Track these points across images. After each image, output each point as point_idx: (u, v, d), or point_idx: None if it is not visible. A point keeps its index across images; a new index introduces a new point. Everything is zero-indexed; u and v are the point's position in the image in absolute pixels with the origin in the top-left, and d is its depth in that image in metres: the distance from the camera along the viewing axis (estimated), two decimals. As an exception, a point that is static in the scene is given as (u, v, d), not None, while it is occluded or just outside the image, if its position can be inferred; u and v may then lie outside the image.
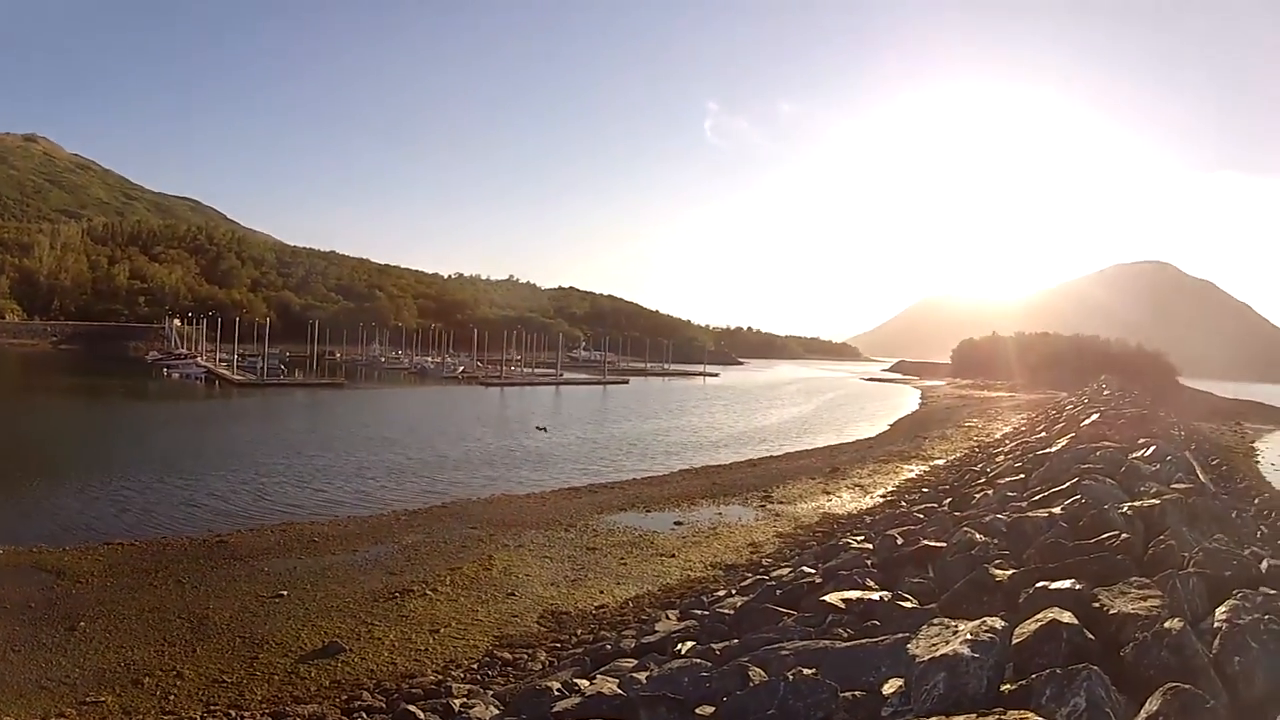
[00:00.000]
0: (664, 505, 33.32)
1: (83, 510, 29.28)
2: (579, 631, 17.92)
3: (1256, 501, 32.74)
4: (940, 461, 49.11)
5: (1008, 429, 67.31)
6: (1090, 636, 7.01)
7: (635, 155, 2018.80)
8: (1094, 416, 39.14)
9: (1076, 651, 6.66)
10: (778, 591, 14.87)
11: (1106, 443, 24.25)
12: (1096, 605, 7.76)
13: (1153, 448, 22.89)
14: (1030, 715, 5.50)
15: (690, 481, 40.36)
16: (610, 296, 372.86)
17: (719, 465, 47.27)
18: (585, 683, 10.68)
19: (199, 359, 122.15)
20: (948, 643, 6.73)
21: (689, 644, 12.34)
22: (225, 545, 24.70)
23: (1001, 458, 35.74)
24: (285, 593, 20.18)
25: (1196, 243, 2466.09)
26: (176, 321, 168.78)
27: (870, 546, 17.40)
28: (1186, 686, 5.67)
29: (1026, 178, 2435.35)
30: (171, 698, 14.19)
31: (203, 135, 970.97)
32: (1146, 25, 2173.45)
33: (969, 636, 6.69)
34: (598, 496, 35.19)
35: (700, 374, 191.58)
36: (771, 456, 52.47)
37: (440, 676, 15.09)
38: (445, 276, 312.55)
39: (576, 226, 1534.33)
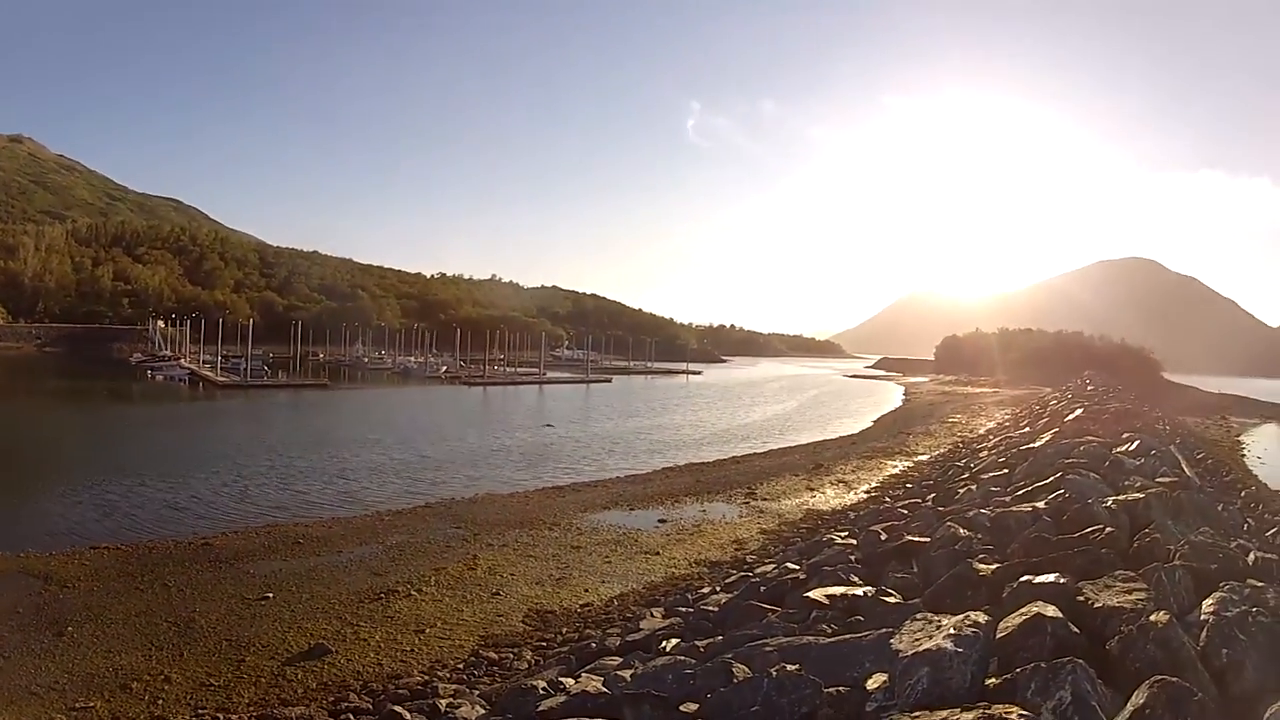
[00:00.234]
0: (648, 503, 33.27)
1: (68, 514, 29.08)
2: (564, 630, 17.89)
3: (1243, 494, 33.04)
4: (924, 457, 49.25)
5: (991, 424, 67.55)
6: (1075, 630, 6.99)
7: (618, 155, 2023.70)
8: (1078, 411, 39.23)
9: (1061, 645, 6.64)
10: (762, 588, 14.83)
11: (1090, 437, 24.25)
12: (1081, 599, 7.74)
13: (1137, 442, 22.94)
14: (1015, 709, 5.48)
15: (674, 479, 40.34)
16: (593, 295, 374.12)
17: (703, 463, 47.22)
18: (570, 681, 10.64)
19: (182, 361, 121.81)
20: (931, 638, 6.71)
21: (673, 641, 12.30)
22: (210, 548, 24.54)
23: (985, 453, 35.79)
24: (271, 595, 20.07)
25: (1180, 240, 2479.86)
26: (160, 323, 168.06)
27: (854, 542, 17.36)
28: (1173, 679, 5.64)
29: (1010, 175, 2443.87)
30: (160, 702, 14.11)
31: (185, 135, 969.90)
32: (1129, 25, 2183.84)
33: (952, 631, 6.68)
34: (582, 495, 35.12)
35: (683, 372, 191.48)
36: (755, 453, 52.50)
37: (426, 677, 15.03)
38: (428, 276, 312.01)
39: (559, 225, 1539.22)
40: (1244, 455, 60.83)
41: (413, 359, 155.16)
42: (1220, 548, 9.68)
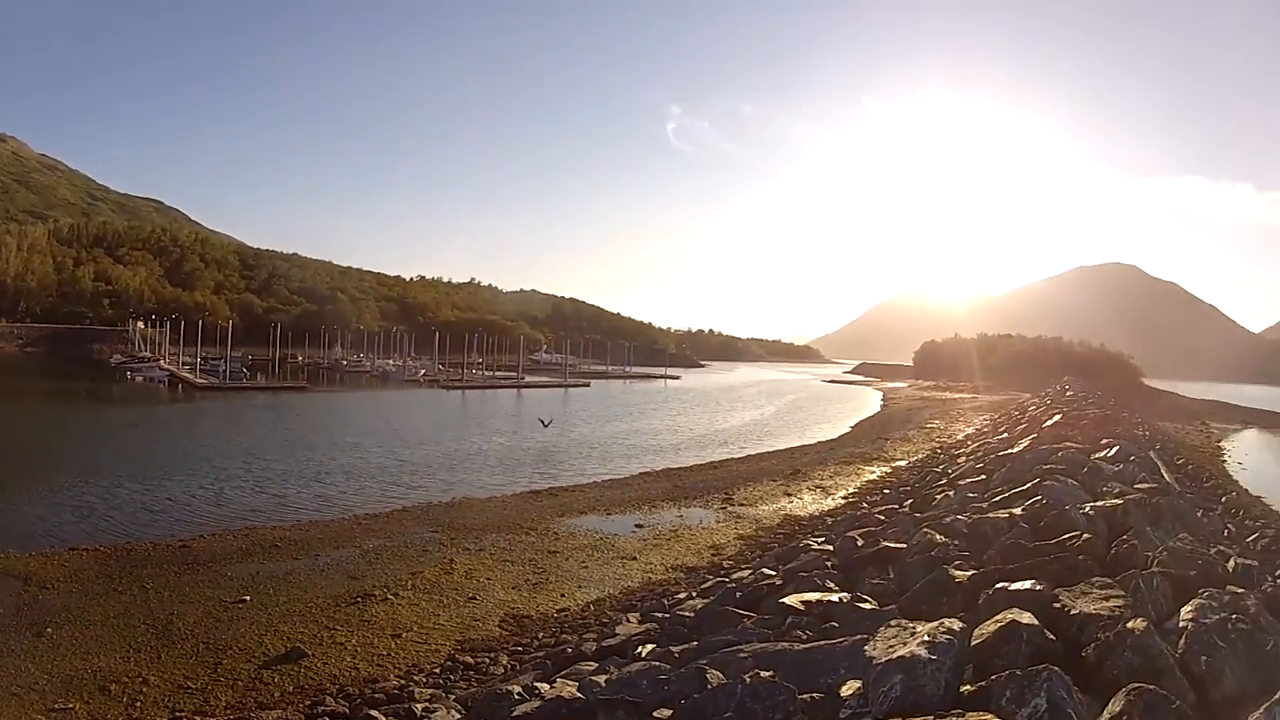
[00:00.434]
0: (625, 508, 33.23)
1: (47, 516, 28.93)
2: (540, 635, 17.82)
3: (1224, 500, 33.14)
4: (902, 463, 49.24)
5: (970, 430, 67.67)
6: (1051, 637, 6.99)
7: (598, 158, 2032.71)
8: (1056, 417, 39.37)
9: (1037, 652, 6.63)
10: (738, 594, 14.84)
11: (1069, 443, 24.36)
12: (1058, 606, 7.74)
13: (1116, 448, 23.03)
14: (989, 717, 5.45)
15: (652, 484, 40.27)
16: (572, 299, 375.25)
17: (680, 468, 47.13)
18: (546, 686, 10.62)
19: (162, 362, 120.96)
20: (905, 644, 6.69)
21: (649, 647, 12.28)
22: (188, 550, 24.43)
23: (963, 459, 35.91)
24: (248, 598, 19.95)
25: (1161, 246, 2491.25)
26: (140, 324, 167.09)
27: (831, 548, 17.35)
28: (1150, 687, 5.63)
29: (991, 179, 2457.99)
30: (138, 704, 14.05)
31: (168, 136, 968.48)
32: (1113, 32, 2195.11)
33: (926, 638, 6.66)
34: (559, 499, 35.01)
35: (661, 376, 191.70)
36: (733, 459, 52.39)
37: (403, 681, 14.97)
38: (407, 279, 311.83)
39: (538, 229, 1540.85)
40: (1224, 461, 60.89)
41: (391, 362, 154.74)
42: (1199, 554, 9.68)
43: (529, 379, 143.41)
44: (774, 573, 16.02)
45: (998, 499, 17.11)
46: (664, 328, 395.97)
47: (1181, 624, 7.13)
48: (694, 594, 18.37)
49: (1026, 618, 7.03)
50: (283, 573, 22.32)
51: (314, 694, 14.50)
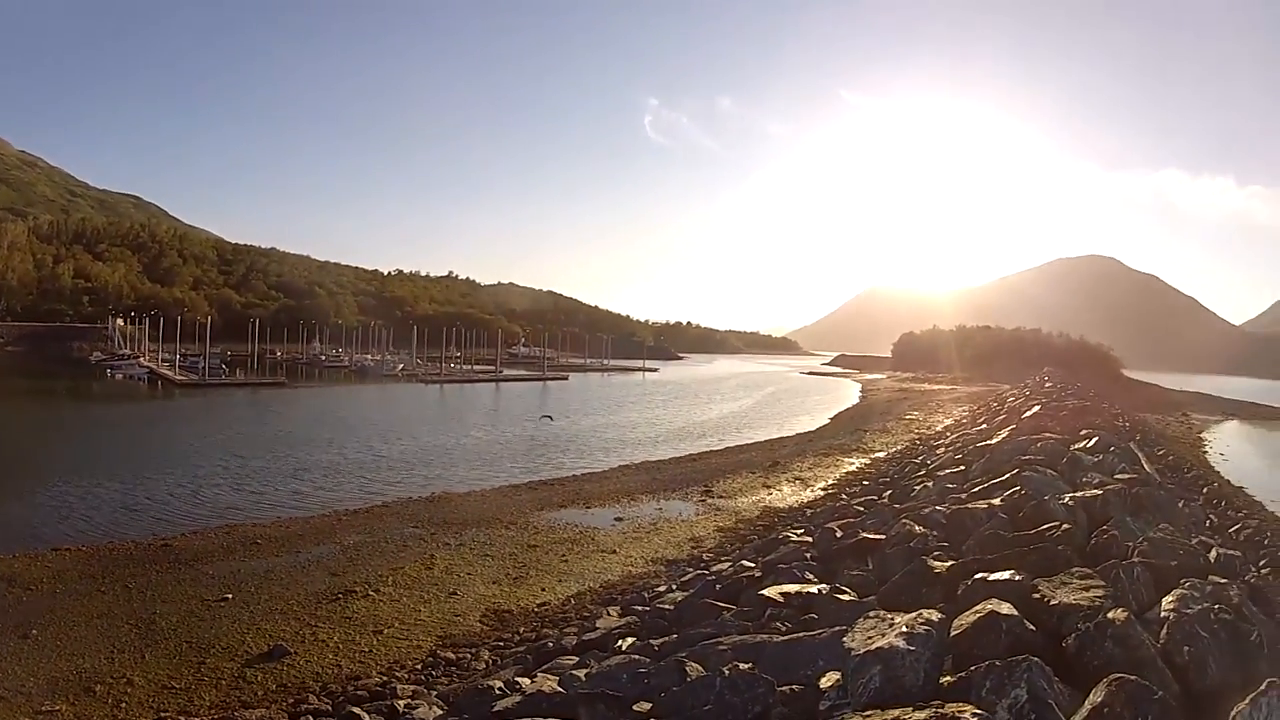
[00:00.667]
0: (605, 501, 33.20)
1: (29, 516, 28.83)
2: (521, 630, 17.81)
3: (1205, 490, 33.33)
4: (881, 454, 49.35)
5: (949, 421, 67.83)
6: (1031, 628, 6.98)
7: (575, 151, 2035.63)
8: (1035, 408, 39.36)
9: (1017, 643, 6.61)
10: (718, 586, 14.83)
11: (1048, 434, 24.36)
12: (1037, 596, 7.72)
13: (1095, 439, 23.10)
14: (967, 708, 5.43)
15: (631, 477, 40.30)
16: (550, 292, 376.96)
17: (659, 460, 47.24)
18: (527, 681, 10.55)
19: (141, 359, 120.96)
20: (884, 635, 6.66)
21: (630, 640, 12.26)
22: (169, 549, 24.34)
23: (942, 450, 35.90)
24: (230, 596, 19.90)
25: (1141, 239, 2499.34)
26: (120, 321, 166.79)
27: (810, 539, 17.37)
28: (1132, 677, 5.61)
29: (970, 172, 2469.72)
30: (124, 705, 14.03)
31: (145, 131, 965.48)
32: (1092, 24, 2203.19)
33: (905, 629, 6.63)
34: (538, 494, 35.01)
35: (640, 369, 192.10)
36: (712, 451, 52.50)
37: (385, 677, 14.96)
38: (385, 273, 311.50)
39: (515, 222, 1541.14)
40: (1206, 452, 61.21)
41: (370, 357, 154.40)
42: (1180, 544, 9.72)
43: (507, 373, 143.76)
44: (753, 565, 16.01)
45: (977, 490, 17.14)
46: (642, 320, 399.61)
47: (1163, 614, 7.11)
48: (674, 587, 18.36)
49: (1006, 608, 7.00)
50: (264, 570, 22.25)
51: (297, 692, 14.49)
